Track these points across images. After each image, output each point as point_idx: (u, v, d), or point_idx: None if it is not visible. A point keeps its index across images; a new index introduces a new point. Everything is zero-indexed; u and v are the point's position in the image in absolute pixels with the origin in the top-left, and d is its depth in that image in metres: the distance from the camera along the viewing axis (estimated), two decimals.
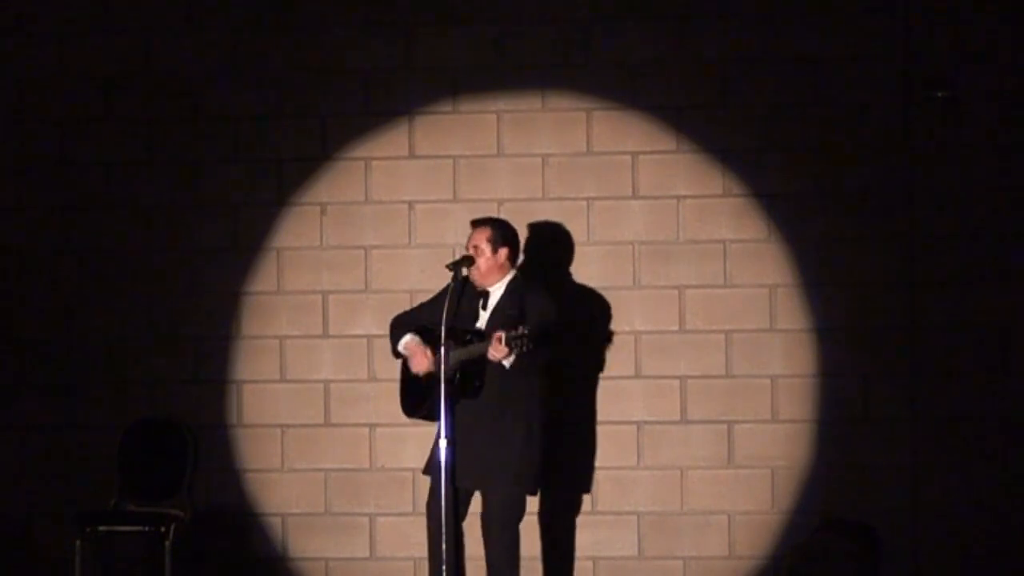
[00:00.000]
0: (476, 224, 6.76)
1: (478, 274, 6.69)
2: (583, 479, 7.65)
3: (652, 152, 7.70)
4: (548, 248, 7.62)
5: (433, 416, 6.55)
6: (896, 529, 7.51)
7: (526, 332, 6.30)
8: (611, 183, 7.71)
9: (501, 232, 6.72)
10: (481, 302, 6.69)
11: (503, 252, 6.70)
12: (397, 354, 6.81)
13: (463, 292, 6.68)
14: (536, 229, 7.59)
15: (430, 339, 6.63)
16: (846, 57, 7.65)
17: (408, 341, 6.73)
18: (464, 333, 6.58)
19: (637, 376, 7.66)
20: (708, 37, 7.69)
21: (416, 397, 6.72)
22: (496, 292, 6.69)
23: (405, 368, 6.79)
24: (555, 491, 7.45)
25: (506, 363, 6.47)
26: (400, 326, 6.83)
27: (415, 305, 6.96)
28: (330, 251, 7.80)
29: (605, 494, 7.66)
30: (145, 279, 7.84)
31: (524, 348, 6.31)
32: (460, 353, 6.51)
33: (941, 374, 7.57)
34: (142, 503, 7.63)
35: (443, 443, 6.48)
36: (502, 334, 6.33)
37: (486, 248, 6.68)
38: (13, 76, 7.93)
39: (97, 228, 7.86)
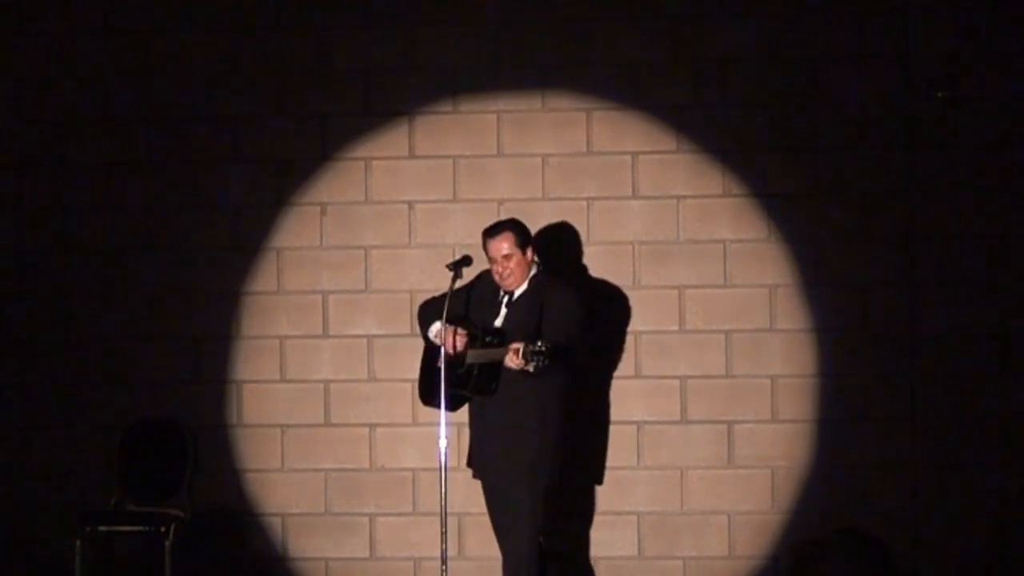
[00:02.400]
0: (495, 232, 6.66)
1: (513, 280, 6.64)
2: (595, 475, 7.67)
3: (652, 152, 7.70)
4: (555, 248, 7.62)
5: (445, 406, 6.53)
6: (896, 530, 7.51)
7: (544, 348, 6.22)
8: (611, 183, 7.71)
9: (521, 231, 6.69)
10: (505, 299, 6.64)
11: (530, 251, 6.68)
12: (427, 339, 6.73)
13: (484, 290, 6.70)
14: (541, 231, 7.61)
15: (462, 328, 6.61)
16: (846, 57, 7.64)
17: (440, 328, 6.60)
18: (485, 334, 6.53)
19: (637, 376, 7.65)
20: (708, 37, 7.68)
21: (435, 385, 6.61)
22: (519, 290, 6.67)
23: (427, 356, 6.75)
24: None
25: (528, 368, 6.43)
26: (430, 312, 6.72)
27: (442, 294, 6.73)
28: (330, 251, 7.79)
29: (605, 494, 7.66)
30: (145, 279, 7.83)
31: (542, 364, 6.23)
32: (478, 355, 6.46)
33: (941, 374, 7.56)
34: (142, 503, 7.63)
35: (442, 443, 6.45)
36: (519, 346, 6.27)
37: (516, 252, 6.64)
38: (13, 76, 7.92)
39: (97, 228, 7.85)
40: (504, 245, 6.62)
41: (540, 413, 6.54)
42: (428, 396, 6.72)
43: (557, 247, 7.60)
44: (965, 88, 7.56)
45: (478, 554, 7.42)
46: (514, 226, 6.69)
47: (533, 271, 6.70)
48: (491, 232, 6.67)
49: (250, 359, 7.80)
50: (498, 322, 6.62)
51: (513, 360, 6.31)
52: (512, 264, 6.61)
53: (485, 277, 6.77)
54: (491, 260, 6.65)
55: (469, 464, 6.80)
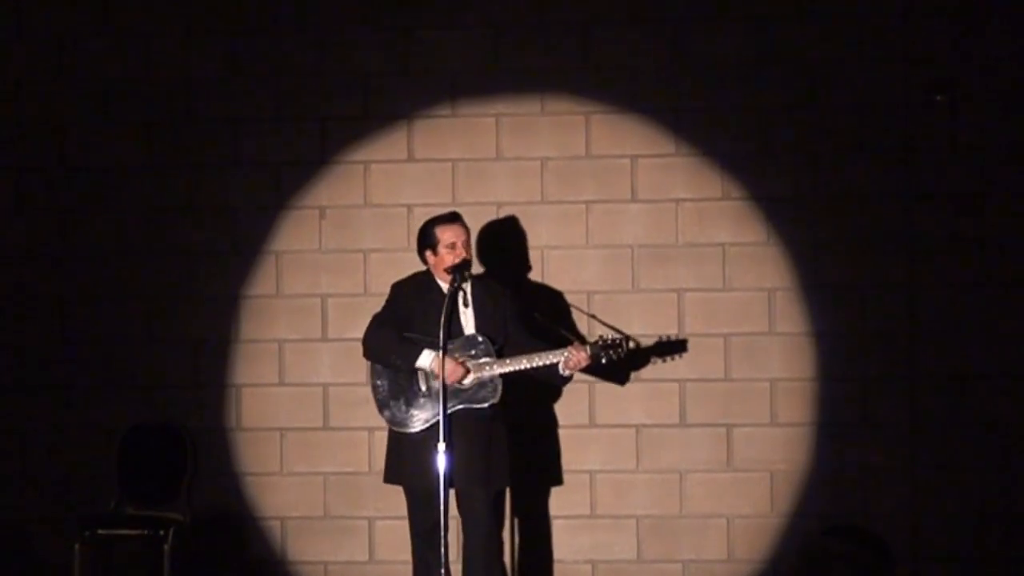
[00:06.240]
0: (456, 218, 6.63)
1: (468, 272, 6.60)
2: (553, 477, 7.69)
3: (651, 155, 7.69)
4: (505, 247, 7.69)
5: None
6: (895, 533, 7.50)
7: (619, 340, 6.42)
8: (610, 186, 7.70)
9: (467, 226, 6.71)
10: (461, 299, 6.53)
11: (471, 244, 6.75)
12: (405, 368, 6.55)
13: (420, 296, 6.62)
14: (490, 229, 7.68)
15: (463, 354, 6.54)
16: (846, 60, 7.62)
17: (435, 359, 6.42)
18: (489, 344, 6.53)
19: (636, 379, 7.64)
20: (707, 40, 7.66)
21: (420, 408, 6.57)
22: (468, 288, 6.54)
23: (392, 381, 6.61)
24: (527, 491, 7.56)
25: (566, 372, 6.54)
26: (392, 335, 6.58)
27: (385, 308, 6.72)
28: (329, 254, 7.78)
29: (604, 497, 7.65)
30: (144, 282, 7.81)
31: (620, 355, 6.46)
32: (517, 362, 6.47)
33: (941, 377, 7.54)
34: (141, 507, 7.61)
35: (441, 446, 6.35)
36: (576, 344, 6.44)
37: (470, 244, 6.67)
38: (13, 79, 7.91)
39: (96, 231, 7.83)
40: (465, 231, 6.63)
41: (505, 419, 6.62)
42: (405, 419, 6.60)
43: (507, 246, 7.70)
44: (966, 91, 7.54)
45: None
46: (464, 221, 6.68)
47: None
48: (452, 218, 6.62)
49: (249, 362, 7.79)
50: (470, 325, 6.59)
51: (576, 360, 6.42)
52: (470, 252, 6.63)
53: (404, 286, 6.70)
54: (450, 247, 6.54)
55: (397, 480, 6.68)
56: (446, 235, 6.58)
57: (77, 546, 7.31)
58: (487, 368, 6.48)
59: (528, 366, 6.50)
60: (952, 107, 7.52)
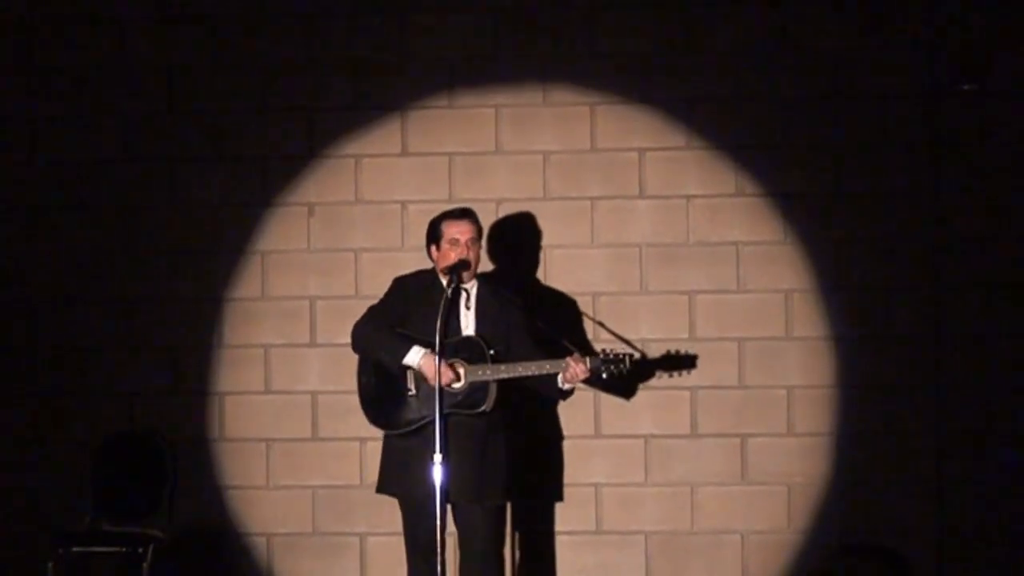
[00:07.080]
0: (465, 214, 6.57)
1: (469, 274, 6.54)
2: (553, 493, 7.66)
3: (660, 149, 7.62)
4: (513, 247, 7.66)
5: (419, 429, 6.45)
6: (919, 551, 7.45)
7: (624, 356, 6.43)
8: (617, 182, 7.63)
9: (480, 224, 6.65)
10: (464, 300, 6.51)
11: (481, 244, 6.69)
12: (393, 364, 6.51)
13: (419, 293, 6.57)
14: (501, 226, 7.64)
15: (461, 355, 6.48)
16: (867, 47, 7.57)
17: (424, 357, 6.38)
18: (489, 348, 6.48)
19: (644, 387, 7.57)
20: (721, 26, 7.62)
21: (406, 409, 6.51)
22: (472, 290, 6.55)
23: (380, 378, 6.55)
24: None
25: (566, 386, 6.51)
26: (383, 328, 6.52)
27: (382, 301, 6.66)
28: (318, 254, 7.72)
29: (610, 513, 7.60)
30: (121, 284, 7.75)
31: (623, 371, 6.47)
32: (513, 369, 6.42)
33: (968, 385, 7.47)
34: (118, 522, 7.50)
35: (437, 458, 6.29)
36: (575, 356, 6.41)
37: (478, 240, 6.59)
38: None
39: (69, 230, 7.77)
40: (473, 228, 6.56)
41: (506, 431, 6.55)
42: (400, 422, 6.53)
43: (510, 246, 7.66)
44: (994, 80, 7.49)
45: None
46: (475, 214, 6.62)
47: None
48: (460, 214, 6.57)
49: (233, 369, 7.73)
50: (470, 328, 6.53)
51: (574, 372, 6.39)
52: (475, 251, 6.55)
53: (406, 281, 6.63)
54: (453, 243, 6.49)
55: (400, 489, 6.59)
56: (451, 231, 6.53)
57: (50, 565, 7.21)
58: (480, 373, 6.47)
59: (524, 374, 6.47)
60: (982, 96, 7.47)
